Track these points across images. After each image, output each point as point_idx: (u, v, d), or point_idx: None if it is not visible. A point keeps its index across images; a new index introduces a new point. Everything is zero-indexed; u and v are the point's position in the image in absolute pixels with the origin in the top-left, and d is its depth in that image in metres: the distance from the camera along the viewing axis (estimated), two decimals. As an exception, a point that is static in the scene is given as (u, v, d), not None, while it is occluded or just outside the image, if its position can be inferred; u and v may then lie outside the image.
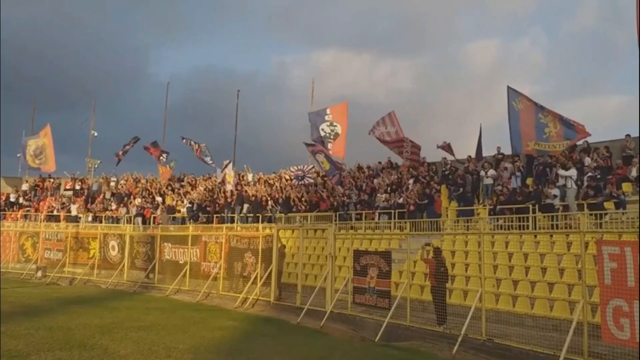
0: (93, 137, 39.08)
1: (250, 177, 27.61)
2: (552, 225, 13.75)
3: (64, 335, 10.05)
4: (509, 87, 15.76)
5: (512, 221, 14.64)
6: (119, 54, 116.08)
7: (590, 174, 15.25)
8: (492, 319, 10.54)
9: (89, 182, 33.80)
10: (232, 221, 22.68)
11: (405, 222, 16.80)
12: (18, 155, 40.80)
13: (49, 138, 32.38)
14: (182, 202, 26.45)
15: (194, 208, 24.94)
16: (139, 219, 26.37)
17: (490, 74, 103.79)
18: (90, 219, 28.26)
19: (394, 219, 18.21)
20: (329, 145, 22.91)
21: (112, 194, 30.83)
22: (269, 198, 23.27)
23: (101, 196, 31.04)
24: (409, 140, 19.75)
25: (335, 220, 19.08)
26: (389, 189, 20.25)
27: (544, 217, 14.15)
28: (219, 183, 26.87)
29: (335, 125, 23.35)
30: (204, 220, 23.65)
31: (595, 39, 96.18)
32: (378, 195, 20.04)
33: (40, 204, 31.47)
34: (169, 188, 29.42)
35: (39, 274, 23.15)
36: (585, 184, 14.85)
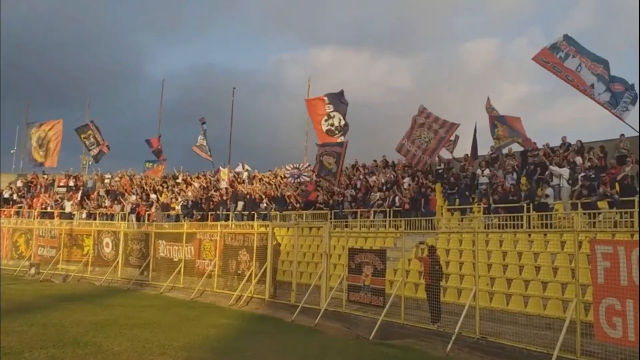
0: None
1: (245, 175, 27.58)
2: (546, 224, 13.81)
3: (57, 332, 10.01)
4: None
5: (506, 220, 14.70)
6: (114, 51, 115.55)
7: (583, 173, 15.35)
8: (485, 317, 10.59)
9: (83, 179, 33.66)
10: (227, 219, 22.66)
11: (400, 221, 16.83)
12: (12, 151, 40.68)
13: (57, 133, 32.10)
14: (177, 199, 26.40)
15: (189, 205, 24.90)
16: (134, 216, 26.31)
17: (487, 74, 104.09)
18: (84, 215, 28.15)
19: (389, 217, 18.25)
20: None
21: (107, 191, 30.74)
22: (264, 196, 23.25)
23: (95, 193, 30.94)
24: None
25: (331, 219, 19.09)
26: (384, 187, 20.28)
27: (538, 216, 14.21)
28: (214, 180, 26.90)
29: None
30: (199, 217, 23.62)
31: (592, 39, 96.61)
32: (373, 193, 20.07)
33: (34, 200, 31.31)
34: (164, 185, 29.37)
35: (32, 270, 23.06)
36: (579, 183, 14.92)
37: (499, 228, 14.71)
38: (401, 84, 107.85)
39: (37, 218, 28.20)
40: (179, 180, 29.88)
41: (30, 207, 30.69)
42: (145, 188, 29.41)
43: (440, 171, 20.22)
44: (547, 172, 16.06)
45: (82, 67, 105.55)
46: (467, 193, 17.72)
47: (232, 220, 22.16)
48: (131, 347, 8.91)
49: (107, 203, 29.11)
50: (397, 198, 18.76)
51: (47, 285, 20.47)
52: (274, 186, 24.26)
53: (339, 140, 21.48)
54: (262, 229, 16.68)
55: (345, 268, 13.43)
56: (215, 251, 17.74)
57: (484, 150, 19.66)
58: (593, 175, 15.23)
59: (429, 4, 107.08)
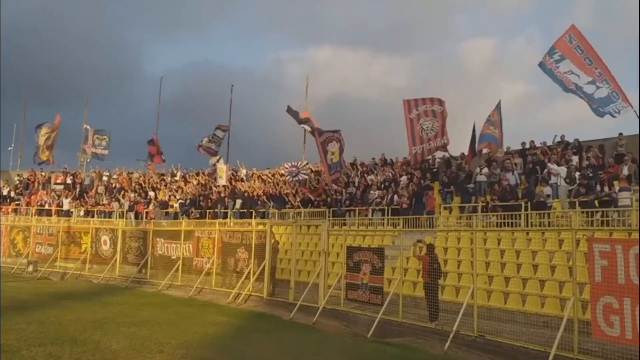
0: (85, 131, 38.74)
1: (243, 172, 27.58)
2: (544, 222, 13.84)
3: (55, 330, 9.99)
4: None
5: (504, 218, 14.72)
6: (112, 49, 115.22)
7: (579, 172, 15.40)
8: (483, 316, 10.60)
9: (81, 176, 33.63)
10: (225, 217, 22.65)
11: (399, 219, 16.84)
12: (9, 149, 40.60)
13: (57, 129, 32.33)
14: (175, 197, 26.38)
15: (187, 203, 24.88)
16: (132, 214, 26.28)
17: (485, 73, 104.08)
18: (82, 213, 28.12)
19: (387, 215, 18.25)
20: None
21: (105, 189, 30.72)
22: (262, 194, 23.25)
23: (93, 190, 30.92)
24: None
25: (329, 217, 19.09)
26: (382, 185, 20.29)
27: (536, 214, 14.23)
28: (212, 178, 26.88)
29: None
30: (197, 215, 23.61)
31: (591, 39, 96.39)
32: (371, 192, 20.07)
33: (32, 197, 31.26)
34: (162, 183, 29.35)
35: (30, 268, 23.02)
36: (577, 182, 14.95)
37: (497, 226, 14.73)
38: (399, 83, 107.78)
39: (34, 215, 28.14)
40: (177, 178, 29.86)
41: (28, 204, 30.64)
42: (143, 185, 29.40)
43: (435, 170, 20.24)
44: (545, 171, 16.09)
45: (79, 66, 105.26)
46: (468, 190, 17.74)
47: (230, 218, 22.16)
48: (129, 344, 8.91)
49: (105, 201, 29.08)
50: (395, 196, 18.77)
51: (44, 282, 20.44)
52: (272, 184, 24.26)
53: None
54: (261, 227, 16.68)
55: (344, 266, 13.44)
56: (213, 249, 17.74)
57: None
58: (591, 174, 15.27)
59: (427, 3, 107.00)
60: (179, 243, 19.05)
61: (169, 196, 26.85)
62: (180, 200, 25.45)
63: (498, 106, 17.43)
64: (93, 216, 27.11)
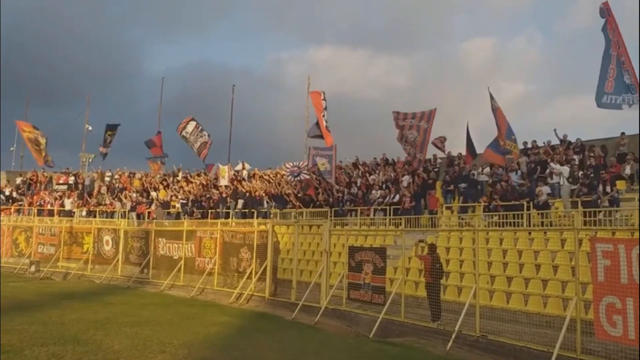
0: (87, 132, 38.94)
1: (245, 172, 27.58)
2: (546, 222, 13.81)
3: (57, 330, 10.00)
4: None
5: (506, 218, 14.70)
6: (113, 49, 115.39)
7: (582, 172, 15.36)
8: (486, 316, 10.58)
9: (83, 176, 33.69)
10: (227, 217, 22.65)
11: (400, 219, 16.82)
12: (11, 149, 40.69)
13: (33, 132, 32.19)
14: (177, 197, 26.39)
15: (189, 203, 24.90)
16: (134, 214, 26.31)
17: (485, 73, 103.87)
18: (84, 213, 28.15)
19: (389, 215, 18.24)
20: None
21: (107, 189, 30.75)
22: (264, 194, 23.25)
23: (95, 191, 30.96)
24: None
25: (331, 216, 19.09)
26: (384, 185, 20.28)
27: (538, 214, 14.20)
28: (213, 179, 26.90)
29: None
30: (199, 215, 23.62)
31: (591, 38, 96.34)
32: (373, 192, 20.06)
33: (34, 198, 31.31)
34: (163, 183, 29.36)
35: (33, 268, 23.05)
36: (580, 181, 14.91)
37: (499, 226, 14.71)
38: (399, 83, 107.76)
39: (36, 216, 28.18)
40: (179, 178, 29.87)
41: (30, 204, 30.69)
42: (145, 186, 29.42)
43: (437, 170, 20.23)
44: (547, 171, 16.06)
45: (80, 65, 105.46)
46: (460, 189, 17.73)
47: (232, 218, 22.16)
48: (131, 345, 8.91)
49: (107, 201, 29.11)
50: (397, 196, 18.75)
51: (47, 283, 20.47)
52: (274, 184, 24.25)
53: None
54: (262, 227, 16.68)
55: (346, 266, 13.43)
56: (215, 249, 17.74)
57: (483, 148, 19.65)
58: (592, 174, 15.24)
59: (427, 2, 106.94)
60: (181, 243, 19.06)
61: (171, 196, 26.86)
62: (182, 201, 25.46)
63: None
64: (95, 216, 27.13)
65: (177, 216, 24.65)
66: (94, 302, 14.52)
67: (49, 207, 29.57)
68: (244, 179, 26.76)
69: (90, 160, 37.65)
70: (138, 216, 26.03)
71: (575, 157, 16.44)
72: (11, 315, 11.36)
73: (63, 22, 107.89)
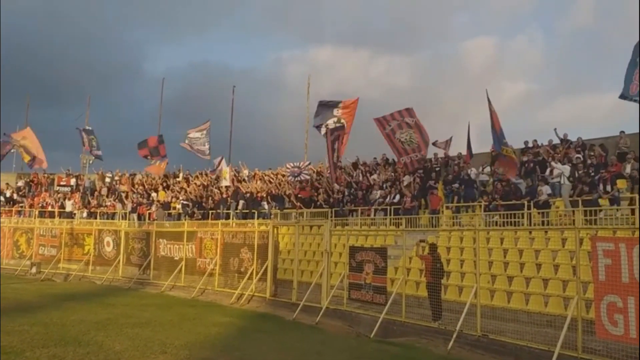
0: (85, 135, 38.81)
1: (245, 173, 27.60)
2: (547, 221, 13.80)
3: (59, 331, 10.01)
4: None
5: (507, 217, 14.68)
6: (113, 50, 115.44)
7: (583, 171, 15.34)
8: (487, 315, 10.58)
9: (84, 178, 33.72)
10: (228, 217, 22.66)
11: (401, 219, 16.82)
12: (12, 150, 40.64)
13: (31, 139, 32.12)
14: (177, 198, 26.40)
15: (189, 204, 24.90)
16: (134, 215, 26.32)
17: (486, 72, 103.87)
18: (85, 215, 28.16)
19: (390, 215, 18.23)
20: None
21: (107, 190, 30.77)
22: (265, 195, 23.25)
23: (96, 192, 30.98)
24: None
25: (331, 217, 19.08)
26: (384, 185, 20.26)
27: (539, 213, 14.19)
28: (214, 179, 26.91)
29: (343, 123, 23.39)
30: (200, 216, 23.62)
31: (592, 37, 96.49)
32: (374, 191, 20.05)
33: (35, 199, 31.34)
34: (164, 185, 29.37)
35: (34, 270, 23.09)
36: (582, 180, 14.87)
37: (500, 225, 14.70)
38: (400, 83, 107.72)
39: (37, 217, 28.21)
40: (180, 179, 29.88)
41: (31, 206, 30.71)
42: (146, 187, 29.43)
43: (437, 169, 20.21)
44: (547, 170, 16.05)
45: (81, 66, 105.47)
46: (473, 188, 17.69)
47: (232, 219, 22.16)
48: (132, 346, 8.92)
49: (108, 202, 29.12)
50: (397, 196, 18.74)
51: (48, 284, 20.49)
52: (274, 185, 24.25)
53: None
54: (263, 228, 16.68)
55: (346, 266, 13.43)
56: (216, 250, 17.75)
57: (484, 148, 19.70)
58: (592, 173, 15.22)
59: (428, 2, 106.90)
60: (182, 244, 19.07)
61: (172, 197, 26.87)
62: (182, 202, 25.47)
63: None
64: (96, 218, 27.15)
65: (178, 217, 24.66)
66: (95, 304, 14.54)
67: (49, 208, 29.60)
68: (244, 179, 26.77)
69: (90, 161, 37.67)
70: (139, 217, 26.05)
71: (579, 155, 16.41)
72: (12, 316, 11.38)
73: (64, 22, 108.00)
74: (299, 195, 21.72)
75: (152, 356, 8.26)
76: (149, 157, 29.64)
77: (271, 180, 25.44)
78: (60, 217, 27.74)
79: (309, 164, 24.47)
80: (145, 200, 27.49)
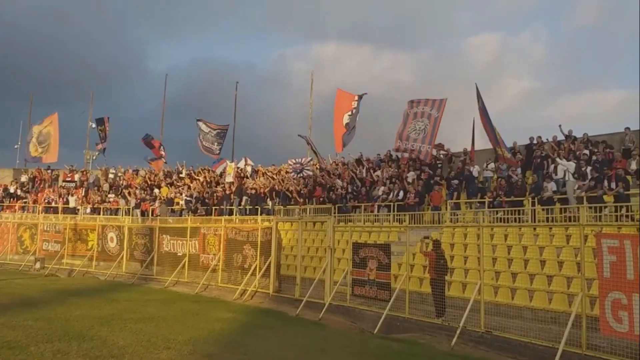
0: (91, 129, 38.96)
1: (249, 169, 27.60)
2: (551, 218, 13.76)
3: (62, 326, 10.03)
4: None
5: (511, 214, 14.64)
6: (116, 47, 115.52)
7: (590, 167, 15.26)
8: (490, 312, 10.55)
9: (88, 174, 33.79)
10: (231, 213, 22.67)
11: (405, 215, 16.79)
12: (15, 147, 40.83)
13: (55, 127, 32.52)
14: (181, 194, 26.43)
15: (193, 200, 24.92)
16: (138, 211, 26.35)
17: (490, 69, 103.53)
18: (88, 210, 28.22)
19: (394, 211, 18.20)
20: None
21: (111, 186, 30.83)
22: (267, 191, 23.24)
23: (100, 188, 31.04)
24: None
25: (334, 213, 19.07)
26: (388, 182, 20.22)
27: (543, 209, 14.15)
28: (219, 175, 26.93)
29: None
30: (203, 212, 23.65)
31: (596, 34, 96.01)
32: (377, 188, 20.01)
33: (39, 195, 31.42)
34: (167, 181, 29.41)
35: (37, 265, 23.14)
36: (589, 177, 14.79)
37: (504, 222, 14.65)
38: (404, 79, 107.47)
39: (41, 213, 28.28)
40: (183, 175, 29.90)
41: (35, 202, 30.79)
42: (149, 183, 29.47)
43: (440, 165, 20.17)
44: (552, 166, 15.98)
45: (84, 63, 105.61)
46: (475, 185, 17.65)
47: (236, 215, 22.17)
48: (136, 341, 8.93)
49: (112, 198, 29.17)
50: (401, 192, 18.70)
51: (52, 279, 20.54)
52: (277, 181, 24.24)
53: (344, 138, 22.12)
54: (266, 224, 16.68)
55: (350, 262, 13.42)
56: (219, 246, 17.76)
57: (488, 144, 19.58)
58: (598, 170, 15.15)
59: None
60: (185, 240, 19.09)
61: (175, 193, 26.90)
62: (186, 197, 25.49)
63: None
64: (99, 213, 27.20)
65: (181, 213, 24.69)
66: (99, 299, 14.57)
67: (53, 204, 29.68)
68: (247, 176, 26.77)
69: (94, 157, 37.76)
70: (142, 213, 26.08)
71: (586, 152, 16.33)
72: (16, 311, 11.43)
73: (66, 21, 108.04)
74: (315, 195, 21.67)
75: (156, 351, 8.27)
76: (151, 155, 29.95)
77: (274, 176, 25.41)
78: (64, 213, 27.81)
79: (311, 160, 24.45)
80: (148, 197, 27.52)
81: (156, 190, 28.01)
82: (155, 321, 11.11)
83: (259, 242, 16.22)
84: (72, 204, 28.91)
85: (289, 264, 17.55)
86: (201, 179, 27.73)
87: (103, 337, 9.09)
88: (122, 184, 30.55)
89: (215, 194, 24.82)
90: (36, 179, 33.84)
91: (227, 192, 24.34)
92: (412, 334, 11.03)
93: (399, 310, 11.75)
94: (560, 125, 18.18)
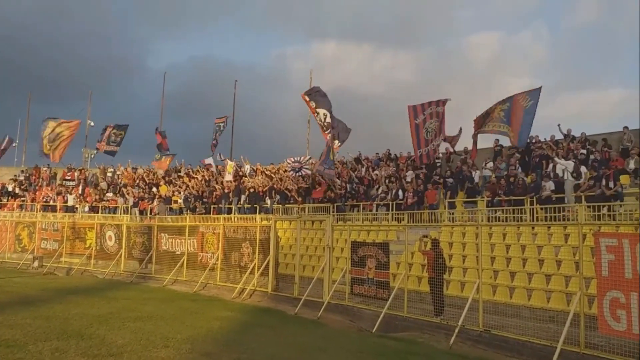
0: (90, 128, 38.91)
1: (248, 167, 27.57)
2: (550, 217, 13.77)
3: (61, 325, 10.02)
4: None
5: (509, 213, 14.65)
6: (115, 45, 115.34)
7: (588, 166, 15.28)
8: (489, 310, 10.57)
9: (86, 172, 33.73)
10: (229, 212, 22.65)
11: (403, 214, 16.80)
12: (14, 145, 40.72)
13: (71, 132, 32.46)
14: (179, 192, 26.41)
15: (191, 199, 24.90)
16: (136, 210, 26.31)
17: (491, 68, 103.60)
18: (86, 209, 28.18)
19: (392, 210, 18.21)
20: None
21: (109, 184, 30.77)
22: (266, 190, 23.22)
23: (99, 186, 30.98)
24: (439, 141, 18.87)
25: (333, 212, 19.07)
26: (387, 180, 20.23)
27: (541, 208, 14.16)
28: (217, 173, 26.89)
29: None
30: (202, 211, 23.62)
31: (597, 33, 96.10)
32: (376, 187, 20.01)
33: (37, 193, 31.36)
34: (165, 179, 29.37)
35: (36, 264, 23.10)
36: (583, 176, 14.84)
37: (503, 221, 14.66)
38: (404, 78, 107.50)
39: (39, 211, 28.23)
40: (182, 174, 29.87)
41: (33, 200, 30.74)
42: (147, 181, 29.43)
43: (439, 165, 20.18)
44: (550, 165, 15.99)
45: (83, 61, 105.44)
46: (471, 185, 17.63)
47: (234, 214, 22.15)
48: (134, 339, 8.92)
49: (110, 196, 29.12)
50: (400, 191, 18.71)
51: (50, 278, 20.51)
52: (276, 180, 24.23)
53: (328, 136, 21.92)
54: (265, 222, 16.67)
55: (348, 261, 13.42)
56: (217, 244, 17.75)
57: (487, 143, 19.64)
58: (597, 168, 15.17)
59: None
60: (184, 238, 19.08)
61: (173, 192, 26.87)
62: (184, 196, 25.46)
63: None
64: (98, 212, 27.16)
65: (180, 211, 24.66)
66: (97, 297, 14.55)
67: (51, 202, 29.62)
68: (246, 174, 26.74)
69: (92, 156, 37.68)
70: (140, 212, 26.04)
71: (583, 151, 16.34)
72: (15, 310, 11.40)
73: (66, 19, 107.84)
74: (313, 197, 21.63)
75: (155, 350, 8.26)
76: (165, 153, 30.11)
77: (273, 175, 25.40)
78: (62, 211, 27.75)
79: (310, 158, 24.44)
80: (147, 195, 27.49)
81: (154, 189, 27.96)
82: (153, 320, 11.10)
83: (257, 241, 16.22)
84: (70, 202, 28.87)
85: (288, 262, 17.55)
86: (199, 177, 27.70)
87: (101, 336, 9.08)
88: (121, 183, 30.50)
89: (213, 193, 24.78)
90: (32, 177, 33.79)
91: (226, 190, 24.31)
92: (411, 332, 11.04)
93: (397, 309, 11.76)
94: (559, 125, 18.22)
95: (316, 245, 18.16)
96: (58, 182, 32.76)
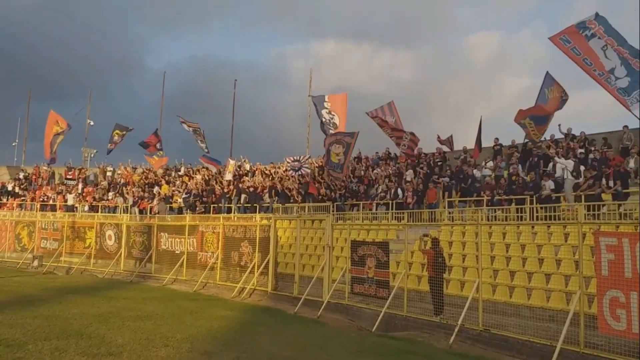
0: (89, 127, 38.91)
1: (247, 167, 27.58)
2: (550, 216, 13.77)
3: (60, 324, 10.01)
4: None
5: (509, 212, 14.64)
6: (114, 43, 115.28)
7: (588, 165, 15.27)
8: (489, 310, 10.57)
9: (86, 172, 33.72)
10: (229, 211, 22.64)
11: (403, 213, 16.79)
12: (13, 144, 40.75)
13: (49, 125, 32.41)
14: (179, 192, 26.39)
15: (191, 198, 24.88)
16: (136, 209, 26.30)
17: (490, 66, 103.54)
18: (86, 208, 28.17)
19: (392, 209, 18.20)
20: (330, 132, 23.04)
21: (109, 184, 30.76)
22: (266, 188, 23.21)
23: (98, 185, 30.97)
24: (408, 132, 19.48)
25: (333, 211, 19.06)
26: (387, 180, 20.23)
27: (541, 208, 14.16)
28: (217, 173, 26.89)
29: (333, 115, 23.33)
30: (202, 210, 23.61)
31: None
32: (376, 186, 20.00)
33: (37, 193, 31.35)
34: (165, 178, 29.36)
35: (35, 263, 23.11)
36: (582, 175, 14.82)
37: (503, 220, 14.66)
38: (404, 77, 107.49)
39: (39, 211, 28.22)
40: (181, 173, 29.86)
41: (32, 199, 30.73)
42: (146, 181, 29.40)
43: (440, 163, 20.18)
44: (550, 164, 15.98)
45: (82, 60, 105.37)
46: (470, 184, 17.63)
47: (234, 213, 22.14)
48: (134, 338, 8.91)
49: (110, 195, 29.11)
50: (399, 190, 18.70)
51: (50, 277, 20.51)
52: (276, 179, 24.22)
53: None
54: (265, 222, 16.66)
55: (348, 260, 13.42)
56: (217, 243, 17.74)
57: (487, 142, 19.66)
58: (596, 167, 15.16)
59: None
60: (184, 238, 19.08)
61: (173, 191, 26.86)
62: (184, 195, 25.45)
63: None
64: (97, 211, 27.15)
65: (180, 211, 24.65)
66: (97, 297, 14.54)
67: (51, 202, 29.61)
68: (246, 174, 26.75)
69: (92, 155, 37.69)
70: (140, 211, 26.03)
71: (582, 151, 16.34)
72: (14, 309, 11.40)
73: (66, 17, 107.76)
74: (305, 192, 21.62)
75: (154, 349, 8.25)
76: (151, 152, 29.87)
77: (272, 174, 25.39)
78: (62, 210, 27.73)
79: (309, 157, 24.45)
80: (146, 194, 27.47)
81: (156, 188, 27.94)
82: (153, 319, 11.10)
83: (257, 240, 16.22)
84: (70, 202, 28.85)
85: (288, 261, 17.55)
86: (199, 176, 27.69)
87: (101, 335, 9.08)
88: (120, 182, 30.48)
89: (213, 192, 24.77)
90: (31, 176, 33.78)
91: (226, 190, 24.30)
92: (411, 331, 11.04)
93: (397, 308, 11.76)
94: (559, 125, 18.23)
95: (316, 245, 18.16)
96: (57, 181, 32.73)
